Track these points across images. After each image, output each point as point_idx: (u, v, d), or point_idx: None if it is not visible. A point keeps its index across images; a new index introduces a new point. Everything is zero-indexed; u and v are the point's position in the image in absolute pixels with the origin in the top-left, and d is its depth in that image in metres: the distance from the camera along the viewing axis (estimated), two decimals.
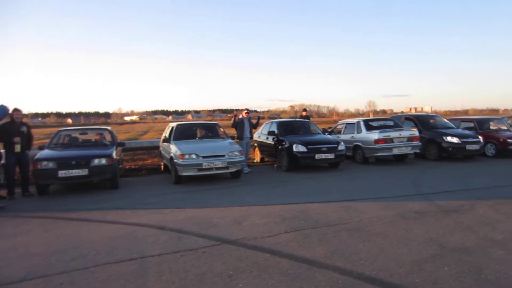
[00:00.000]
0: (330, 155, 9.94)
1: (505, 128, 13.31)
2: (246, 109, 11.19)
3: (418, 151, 11.23)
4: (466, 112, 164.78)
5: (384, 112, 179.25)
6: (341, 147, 10.23)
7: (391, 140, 10.84)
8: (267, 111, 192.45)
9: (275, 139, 11.00)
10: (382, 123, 11.77)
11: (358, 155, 11.56)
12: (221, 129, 10.51)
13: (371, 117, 12.49)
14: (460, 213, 5.34)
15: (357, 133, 11.68)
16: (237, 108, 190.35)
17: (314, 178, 9.05)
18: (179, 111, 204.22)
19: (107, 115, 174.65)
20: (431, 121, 13.04)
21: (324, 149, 9.95)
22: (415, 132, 11.21)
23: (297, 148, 9.94)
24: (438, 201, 6.13)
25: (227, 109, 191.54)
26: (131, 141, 16.27)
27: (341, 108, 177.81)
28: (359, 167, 10.67)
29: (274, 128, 11.51)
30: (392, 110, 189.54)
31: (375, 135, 10.83)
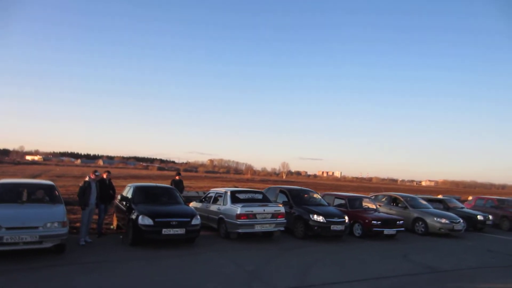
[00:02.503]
0: (180, 231, 8.80)
1: (373, 207, 13.53)
2: (95, 170, 9.75)
3: (282, 229, 10.63)
4: (370, 179, 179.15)
5: (298, 173, 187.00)
6: (196, 221, 9.17)
7: (254, 215, 10.11)
8: (185, 163, 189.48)
9: (127, 205, 9.67)
10: (250, 195, 11.09)
11: (222, 229, 10.60)
12: (56, 192, 8.90)
13: (239, 189, 11.78)
14: None
15: (223, 204, 10.83)
16: (154, 158, 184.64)
17: (158, 259, 7.78)
18: (91, 155, 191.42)
19: (5, 152, 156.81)
20: (305, 196, 12.80)
21: (174, 223, 8.79)
22: (280, 208, 10.68)
23: (143, 220, 8.67)
24: None
25: (143, 158, 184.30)
26: None
27: (258, 167, 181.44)
28: (218, 244, 9.64)
29: (130, 193, 10.20)
30: (306, 172, 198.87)
31: (237, 209, 10.04)
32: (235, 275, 6.78)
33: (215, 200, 11.40)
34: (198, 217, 9.39)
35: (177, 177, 13.49)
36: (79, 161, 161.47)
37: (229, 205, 10.51)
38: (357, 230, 12.10)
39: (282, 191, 12.82)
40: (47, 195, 8.72)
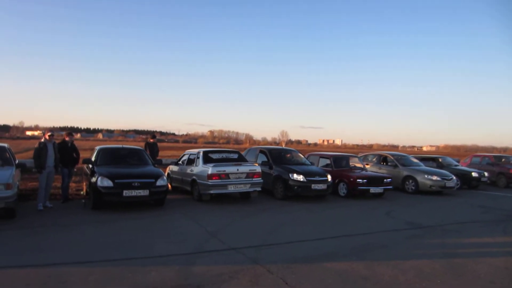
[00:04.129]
0: (143, 192, 8.13)
1: (361, 166, 12.83)
2: (50, 131, 8.97)
3: (258, 189, 9.95)
4: (371, 146, 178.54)
5: (299, 142, 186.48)
6: (161, 182, 8.47)
7: (226, 175, 9.41)
8: (185, 134, 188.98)
9: (91, 168, 8.98)
10: (224, 155, 10.36)
11: (195, 191, 9.94)
12: (7, 154, 8.18)
13: (213, 149, 11.02)
14: None
15: (196, 165, 10.12)
16: (154, 130, 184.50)
17: (116, 221, 7.15)
18: (91, 129, 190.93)
19: (5, 128, 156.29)
20: (287, 155, 12.07)
21: (136, 184, 8.10)
22: (255, 167, 9.98)
23: (102, 182, 7.98)
24: (200, 266, 4.58)
25: (143, 130, 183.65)
26: None
27: (259, 137, 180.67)
28: (189, 207, 9.01)
29: (94, 156, 9.50)
30: (306, 141, 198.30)
31: (208, 169, 9.34)
32: (193, 236, 6.13)
33: (190, 162, 10.70)
34: (165, 178, 8.70)
35: (151, 140, 12.75)
36: (79, 135, 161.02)
37: (201, 165, 9.80)
38: (342, 189, 11.45)
39: (262, 151, 12.08)
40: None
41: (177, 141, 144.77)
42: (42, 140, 8.58)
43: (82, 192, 10.68)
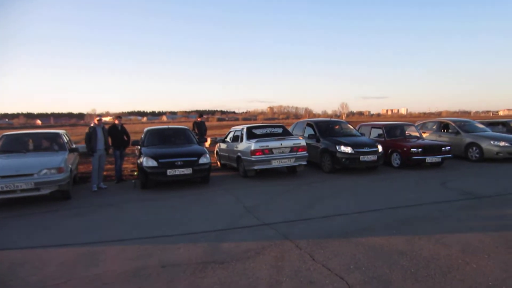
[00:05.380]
0: (187, 170, 8.32)
1: (417, 135, 11.99)
2: (99, 115, 9.44)
3: (304, 163, 9.72)
4: (439, 114, 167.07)
5: (360, 113, 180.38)
6: (204, 160, 8.61)
7: (270, 150, 9.30)
8: (245, 112, 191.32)
9: (139, 149, 9.37)
10: (268, 130, 10.20)
11: (240, 167, 9.99)
12: (61, 140, 8.77)
13: (258, 124, 10.90)
14: (237, 263, 3.79)
15: (240, 142, 10.12)
16: (215, 110, 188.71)
17: (161, 199, 7.44)
18: (156, 112, 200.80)
19: (80, 116, 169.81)
20: (335, 127, 11.62)
21: (179, 163, 8.31)
22: (300, 141, 9.72)
23: (147, 162, 8.30)
24: (229, 242, 4.58)
25: (205, 110, 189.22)
26: None
27: (319, 110, 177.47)
28: (234, 183, 9.08)
29: (142, 138, 9.88)
30: (369, 112, 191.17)
31: (251, 145, 9.29)
32: (230, 212, 6.15)
33: (235, 139, 10.72)
34: (207, 155, 8.80)
35: (198, 119, 12.96)
36: (145, 118, 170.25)
37: (245, 141, 9.78)
38: (395, 160, 10.82)
39: (309, 124, 11.76)
40: (55, 143, 8.66)
41: (237, 119, 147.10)
42: (92, 125, 9.07)
43: (135, 173, 11.23)
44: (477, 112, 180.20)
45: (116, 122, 10.00)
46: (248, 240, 4.65)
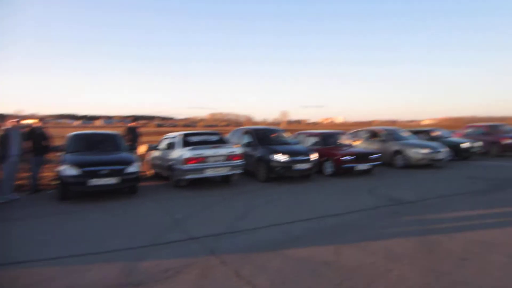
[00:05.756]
0: (112, 180, 7.75)
1: (349, 143, 12.42)
2: (17, 117, 8.53)
3: (239, 172, 9.57)
4: (370, 123, 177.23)
5: (298, 122, 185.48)
6: (132, 168, 8.08)
7: (204, 159, 9.02)
8: (186, 119, 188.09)
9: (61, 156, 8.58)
10: (204, 138, 9.89)
11: (173, 176, 9.56)
12: None
13: (193, 131, 10.56)
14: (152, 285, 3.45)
15: (174, 149, 9.71)
16: (153, 116, 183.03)
17: (79, 212, 6.78)
18: (90, 116, 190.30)
19: (1, 117, 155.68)
20: (271, 135, 11.64)
21: (104, 172, 7.72)
22: (235, 149, 9.56)
23: (66, 171, 7.59)
24: (149, 261, 4.23)
25: (143, 116, 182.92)
26: None
27: (260, 118, 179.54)
28: (164, 194, 8.66)
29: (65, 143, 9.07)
30: (307, 120, 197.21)
31: (185, 154, 8.94)
32: (156, 225, 5.77)
33: (169, 146, 10.26)
34: (136, 164, 8.29)
35: (132, 124, 12.27)
36: (79, 122, 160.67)
37: (178, 149, 9.40)
38: (328, 168, 11.06)
39: (246, 132, 11.66)
40: None
41: (176, 125, 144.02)
42: (7, 127, 8.14)
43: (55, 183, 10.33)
44: (403, 121, 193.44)
45: (37, 125, 9.10)
46: (171, 257, 4.34)
